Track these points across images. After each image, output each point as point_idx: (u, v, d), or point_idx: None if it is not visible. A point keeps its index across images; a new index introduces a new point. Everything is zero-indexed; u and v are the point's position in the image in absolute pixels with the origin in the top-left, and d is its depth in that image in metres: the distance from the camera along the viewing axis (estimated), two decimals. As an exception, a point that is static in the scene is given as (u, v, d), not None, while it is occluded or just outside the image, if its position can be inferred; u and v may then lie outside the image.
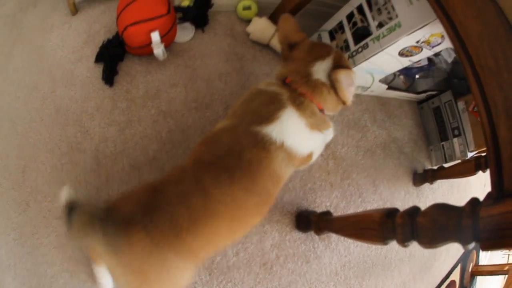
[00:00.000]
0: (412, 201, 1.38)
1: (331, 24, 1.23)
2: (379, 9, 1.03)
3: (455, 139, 1.39)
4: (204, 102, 1.14)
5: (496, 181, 0.56)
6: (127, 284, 0.61)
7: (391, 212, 0.74)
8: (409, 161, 1.44)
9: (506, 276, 1.52)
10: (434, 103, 1.48)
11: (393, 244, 1.27)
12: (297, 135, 0.77)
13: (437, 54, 1.34)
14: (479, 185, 1.57)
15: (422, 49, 1.04)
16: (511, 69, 0.55)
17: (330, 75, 0.79)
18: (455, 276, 1.47)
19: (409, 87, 1.42)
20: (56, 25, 1.13)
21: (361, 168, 1.30)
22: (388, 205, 1.31)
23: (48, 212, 0.92)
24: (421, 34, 0.94)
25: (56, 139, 0.99)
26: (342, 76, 0.78)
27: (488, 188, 0.58)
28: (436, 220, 0.63)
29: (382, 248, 1.26)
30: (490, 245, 0.53)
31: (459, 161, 1.37)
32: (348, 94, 0.82)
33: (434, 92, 1.49)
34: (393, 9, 0.98)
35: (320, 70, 0.80)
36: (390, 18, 0.99)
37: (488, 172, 0.59)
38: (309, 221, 1.07)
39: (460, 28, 0.64)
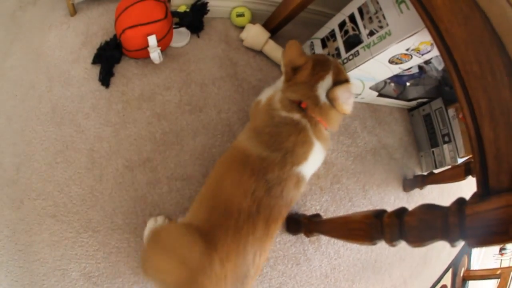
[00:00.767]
0: (402, 206, 1.39)
1: (323, 32, 1.26)
2: (370, 18, 1.07)
3: (445, 146, 1.42)
4: (197, 106, 1.16)
5: (481, 180, 0.57)
6: None
7: (379, 213, 0.76)
8: (399, 167, 1.46)
9: (499, 280, 1.53)
10: (425, 110, 1.51)
11: (383, 248, 1.31)
12: (316, 163, 0.89)
13: (427, 62, 1.37)
14: (469, 190, 1.57)
15: (412, 57, 1.07)
16: (495, 73, 0.57)
17: (328, 95, 0.88)
18: (446, 280, 1.48)
19: (400, 95, 1.45)
20: (54, 25, 1.15)
21: (351, 173, 1.32)
22: (378, 209, 1.33)
23: (42, 210, 0.93)
24: (410, 42, 0.97)
25: (52, 137, 1.00)
26: (338, 93, 0.87)
27: (478, 193, 0.60)
28: (423, 219, 0.64)
29: (372, 252, 1.28)
30: (477, 242, 0.55)
31: (449, 167, 1.39)
32: (347, 106, 0.90)
33: (424, 100, 1.52)
34: (384, 18, 1.01)
35: (323, 91, 0.88)
36: (381, 27, 1.02)
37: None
38: (299, 224, 1.08)
39: (447, 35, 0.66)
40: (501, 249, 1.97)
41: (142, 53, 1.10)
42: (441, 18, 0.67)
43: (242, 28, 1.30)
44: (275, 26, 1.25)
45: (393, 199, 1.39)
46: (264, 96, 0.95)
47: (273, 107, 0.88)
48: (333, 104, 0.88)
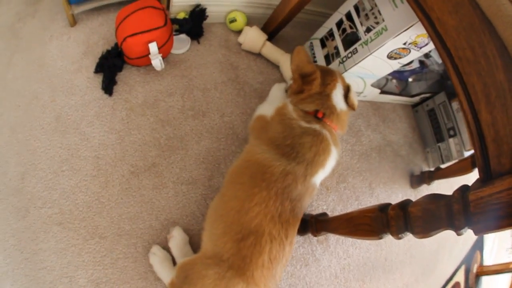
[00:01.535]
0: (409, 201, 1.39)
1: (321, 32, 1.27)
2: (366, 15, 1.07)
3: (451, 140, 1.41)
4: (200, 110, 1.17)
5: (483, 165, 0.57)
6: None
7: (384, 206, 0.76)
8: (405, 163, 1.45)
9: (513, 273, 1.50)
10: (429, 106, 1.51)
11: (393, 246, 1.29)
12: (330, 169, 0.91)
13: (428, 56, 1.37)
14: (477, 184, 1.56)
15: (410, 51, 1.07)
16: (488, 56, 0.57)
17: (347, 102, 0.96)
18: (459, 277, 1.45)
19: (403, 91, 1.45)
20: (55, 36, 1.17)
21: (356, 172, 1.31)
22: (386, 207, 1.32)
23: (48, 218, 0.94)
24: (407, 36, 0.97)
25: (57, 146, 1.01)
26: (354, 98, 0.96)
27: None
28: (427, 209, 0.64)
29: (381, 250, 1.26)
30: (483, 228, 0.54)
31: (456, 161, 1.38)
32: (357, 103, 0.99)
33: (428, 95, 1.51)
34: (380, 13, 1.02)
35: (338, 100, 0.94)
36: (377, 23, 1.03)
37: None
38: (306, 224, 1.07)
39: (438, 24, 0.67)
40: (514, 244, 1.92)
41: (144, 61, 1.11)
42: (432, 7, 0.68)
43: (240, 32, 1.31)
44: (273, 29, 1.27)
45: (400, 196, 1.37)
46: (264, 111, 0.96)
47: (290, 117, 0.89)
48: (352, 108, 0.96)
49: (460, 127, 1.38)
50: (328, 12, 1.25)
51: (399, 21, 0.95)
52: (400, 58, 1.10)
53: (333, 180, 1.25)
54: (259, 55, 1.33)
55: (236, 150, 1.14)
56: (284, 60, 1.27)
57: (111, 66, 1.10)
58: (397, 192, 1.38)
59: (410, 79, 1.42)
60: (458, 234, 0.59)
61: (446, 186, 1.49)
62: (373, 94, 1.38)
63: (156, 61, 1.09)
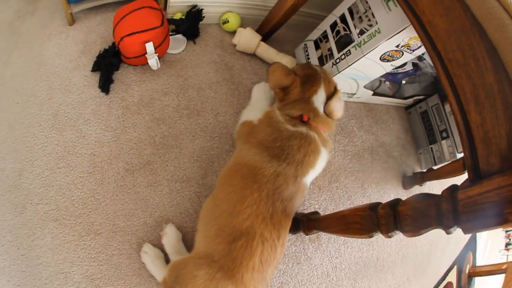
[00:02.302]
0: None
1: (316, 34, 1.29)
2: (360, 17, 1.09)
3: (443, 141, 1.42)
4: (195, 110, 1.19)
5: (472, 165, 0.58)
6: None
7: (374, 205, 0.77)
8: (397, 164, 1.47)
9: (505, 274, 1.51)
10: (422, 108, 1.53)
11: (385, 246, 1.31)
12: (320, 168, 0.93)
13: (421, 59, 1.39)
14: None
15: (403, 53, 1.09)
16: (477, 58, 0.58)
17: (325, 110, 0.96)
18: (452, 278, 1.47)
19: (396, 93, 1.46)
20: (53, 34, 1.18)
21: (349, 172, 1.33)
22: (379, 207, 1.33)
23: (44, 214, 0.95)
24: (400, 38, 0.99)
25: (53, 143, 1.03)
26: (333, 106, 0.97)
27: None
28: (417, 208, 0.65)
29: (373, 250, 1.28)
30: (471, 227, 0.55)
31: (448, 162, 1.40)
32: (340, 112, 1.01)
33: (421, 97, 1.53)
34: (373, 16, 1.04)
35: (319, 104, 0.96)
36: (370, 25, 1.05)
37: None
38: (298, 222, 1.09)
39: (429, 27, 0.68)
40: (507, 245, 1.94)
41: (140, 60, 1.13)
42: (423, 10, 0.69)
43: (234, 33, 1.33)
44: (268, 30, 1.28)
45: (392, 196, 1.39)
46: (249, 117, 0.99)
47: (277, 120, 0.91)
48: (330, 116, 0.98)
49: (453, 129, 1.40)
50: (323, 15, 1.27)
51: (392, 24, 0.97)
52: (393, 60, 1.12)
53: (325, 180, 1.27)
54: (253, 55, 1.35)
55: (229, 149, 1.16)
56: (279, 60, 1.29)
57: (108, 65, 1.12)
58: (389, 193, 1.40)
59: (403, 81, 1.43)
60: (448, 233, 0.60)
61: (438, 188, 1.49)
62: (366, 95, 1.40)
63: (153, 61, 1.11)
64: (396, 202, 0.72)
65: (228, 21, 1.31)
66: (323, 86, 0.97)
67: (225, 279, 0.73)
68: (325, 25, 1.23)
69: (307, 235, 1.11)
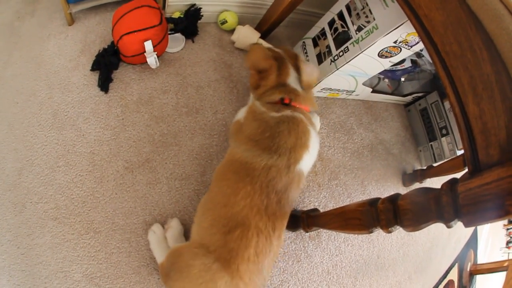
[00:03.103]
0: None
1: (314, 31, 1.29)
2: (357, 14, 1.09)
3: (443, 139, 1.42)
4: (194, 108, 1.19)
5: (471, 157, 0.57)
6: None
7: (374, 201, 0.77)
8: (397, 162, 1.46)
9: (506, 272, 1.50)
10: (421, 105, 1.53)
11: (386, 243, 1.30)
12: (315, 151, 0.91)
13: (420, 56, 1.39)
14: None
15: (401, 49, 1.09)
16: (474, 50, 0.58)
17: (302, 84, 0.95)
18: (453, 275, 1.46)
19: (395, 90, 1.46)
20: (53, 34, 1.19)
21: (348, 169, 1.33)
22: (379, 204, 1.33)
23: (43, 213, 0.95)
24: (397, 34, 0.99)
25: (53, 142, 1.03)
26: (306, 77, 0.95)
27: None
28: (417, 202, 0.65)
29: (374, 247, 1.27)
30: (472, 220, 0.54)
31: (448, 159, 1.39)
32: (315, 74, 1.00)
33: (420, 94, 1.53)
34: (371, 12, 1.04)
35: (295, 84, 0.95)
36: (368, 22, 1.05)
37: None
38: (298, 220, 1.09)
39: (425, 20, 0.68)
40: (508, 242, 1.93)
41: (139, 59, 1.13)
42: (420, 4, 0.69)
43: (233, 31, 1.33)
44: (266, 29, 1.29)
45: (392, 193, 1.38)
46: (237, 117, 0.99)
47: (260, 111, 0.91)
48: (310, 85, 0.98)
49: (453, 126, 1.39)
50: (320, 12, 1.28)
51: (390, 19, 0.97)
52: (391, 56, 1.12)
53: (325, 177, 1.27)
54: (252, 53, 1.35)
55: (228, 147, 1.16)
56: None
57: (107, 64, 1.12)
58: (389, 190, 1.39)
59: (402, 79, 1.43)
60: (448, 227, 0.60)
61: (438, 185, 1.48)
62: (365, 93, 1.40)
63: (151, 59, 1.11)
64: (395, 197, 0.71)
65: (226, 21, 1.31)
66: (290, 64, 0.97)
67: (221, 270, 0.73)
68: (323, 23, 1.24)
69: (307, 232, 1.10)
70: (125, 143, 1.08)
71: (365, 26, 1.05)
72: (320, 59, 1.25)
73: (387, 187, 1.39)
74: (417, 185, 1.44)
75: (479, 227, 1.75)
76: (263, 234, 0.77)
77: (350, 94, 1.40)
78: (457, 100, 0.61)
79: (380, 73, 1.25)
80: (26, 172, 0.99)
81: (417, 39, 1.03)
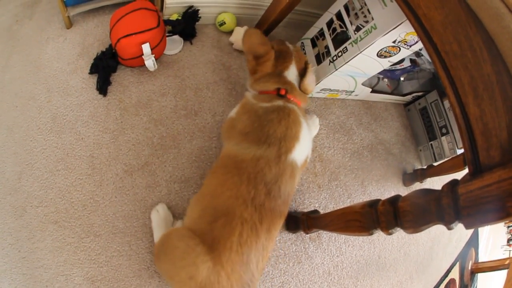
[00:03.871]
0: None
1: (312, 32, 1.28)
2: (356, 14, 1.09)
3: (443, 138, 1.42)
4: (193, 110, 1.19)
5: (472, 158, 0.57)
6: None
7: (374, 202, 0.77)
8: (397, 161, 1.46)
9: (508, 270, 1.50)
10: (421, 104, 1.52)
11: (386, 244, 1.30)
12: (306, 144, 0.90)
13: (419, 55, 1.39)
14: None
15: (400, 49, 1.08)
16: (474, 49, 0.57)
17: (300, 86, 0.98)
18: (454, 274, 1.46)
19: (395, 90, 1.46)
20: (51, 37, 1.19)
21: (348, 170, 1.32)
22: (379, 205, 1.33)
23: (44, 216, 0.95)
24: (396, 34, 0.99)
25: (52, 146, 1.03)
26: (308, 82, 0.98)
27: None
28: (417, 203, 0.64)
29: (375, 248, 1.27)
30: (473, 222, 0.54)
31: (449, 158, 1.39)
32: (313, 86, 1.03)
33: (420, 93, 1.52)
34: (369, 12, 1.03)
35: (293, 79, 0.98)
36: (366, 21, 1.04)
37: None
38: (298, 221, 1.09)
39: (425, 20, 0.67)
40: (509, 240, 1.93)
41: (137, 61, 1.13)
42: (418, 4, 0.69)
43: (231, 32, 1.33)
44: (265, 30, 1.28)
45: (393, 193, 1.35)
46: (230, 114, 0.99)
47: (251, 103, 0.91)
48: (305, 92, 0.99)
49: (453, 125, 1.39)
50: (319, 13, 1.27)
51: (388, 19, 0.96)
52: (390, 56, 1.12)
53: (325, 178, 1.26)
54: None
55: (225, 148, 1.17)
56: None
57: (105, 67, 1.12)
58: (390, 190, 1.39)
59: (402, 78, 1.43)
60: (449, 229, 0.59)
61: (439, 184, 1.49)
62: (365, 93, 1.40)
63: (149, 62, 1.11)
64: (396, 199, 0.71)
65: (224, 23, 1.31)
66: (295, 62, 0.99)
67: (205, 253, 0.72)
68: (321, 23, 1.23)
69: (307, 233, 1.11)
70: (124, 146, 1.08)
71: (363, 26, 1.05)
72: (319, 59, 1.25)
73: (388, 187, 1.39)
74: (417, 185, 1.44)
75: (481, 226, 1.74)
76: (248, 224, 0.75)
77: (350, 95, 1.39)
78: (457, 100, 0.60)
79: (379, 73, 1.25)
80: (26, 176, 0.99)
81: (416, 38, 1.03)
